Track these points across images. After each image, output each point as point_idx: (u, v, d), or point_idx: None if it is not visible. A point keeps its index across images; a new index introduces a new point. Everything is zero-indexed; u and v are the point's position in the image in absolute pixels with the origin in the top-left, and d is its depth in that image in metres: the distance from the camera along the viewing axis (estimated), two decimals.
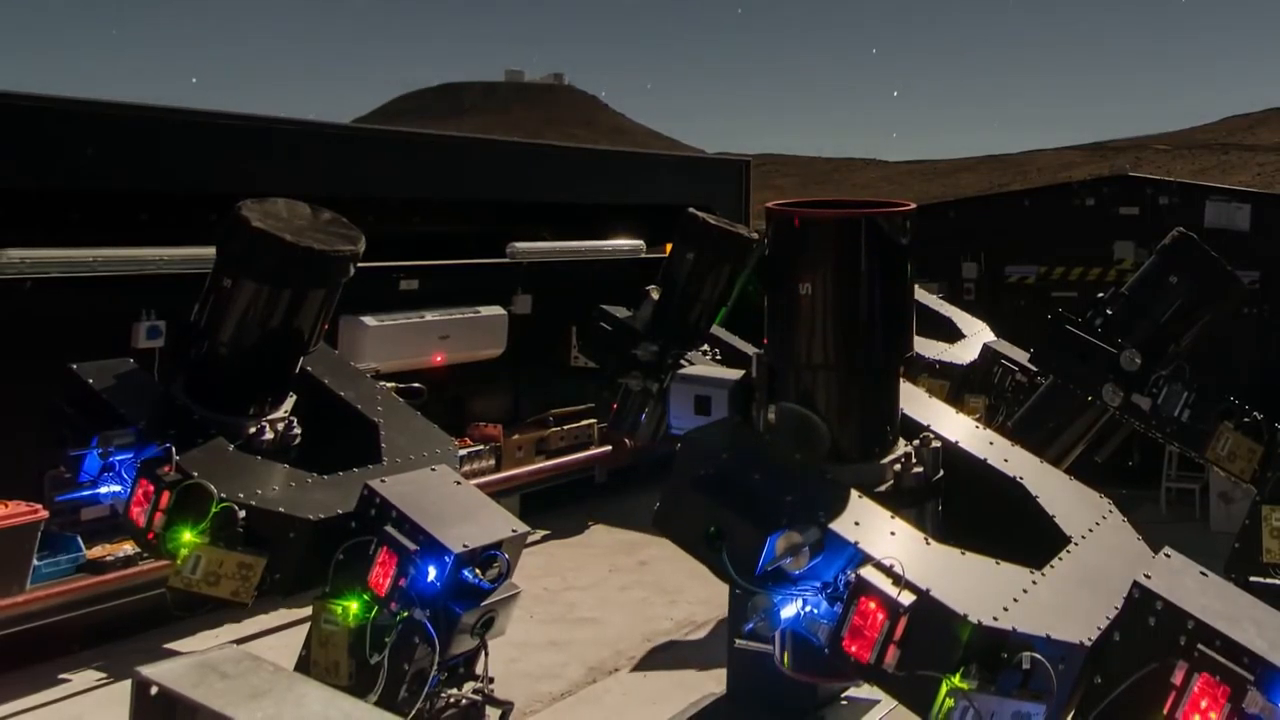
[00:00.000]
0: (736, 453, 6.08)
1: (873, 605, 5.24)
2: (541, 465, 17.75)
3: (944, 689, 5.08)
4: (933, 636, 5.21)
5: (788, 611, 5.55)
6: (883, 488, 6.03)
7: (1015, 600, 5.43)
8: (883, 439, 6.24)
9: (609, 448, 18.20)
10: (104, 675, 11.08)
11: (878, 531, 5.65)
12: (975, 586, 5.46)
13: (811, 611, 5.54)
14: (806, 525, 5.56)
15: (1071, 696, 5.28)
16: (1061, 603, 5.52)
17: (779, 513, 5.63)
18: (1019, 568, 5.72)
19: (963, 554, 5.65)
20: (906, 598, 5.22)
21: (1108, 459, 11.22)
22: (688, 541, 5.97)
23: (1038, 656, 5.10)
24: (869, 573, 5.35)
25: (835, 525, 5.61)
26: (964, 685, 5.07)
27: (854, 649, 5.29)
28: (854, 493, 5.83)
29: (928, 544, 5.66)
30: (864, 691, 10.61)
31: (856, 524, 5.65)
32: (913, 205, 6.23)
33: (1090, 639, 5.28)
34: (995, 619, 5.23)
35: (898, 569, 5.31)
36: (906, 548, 5.54)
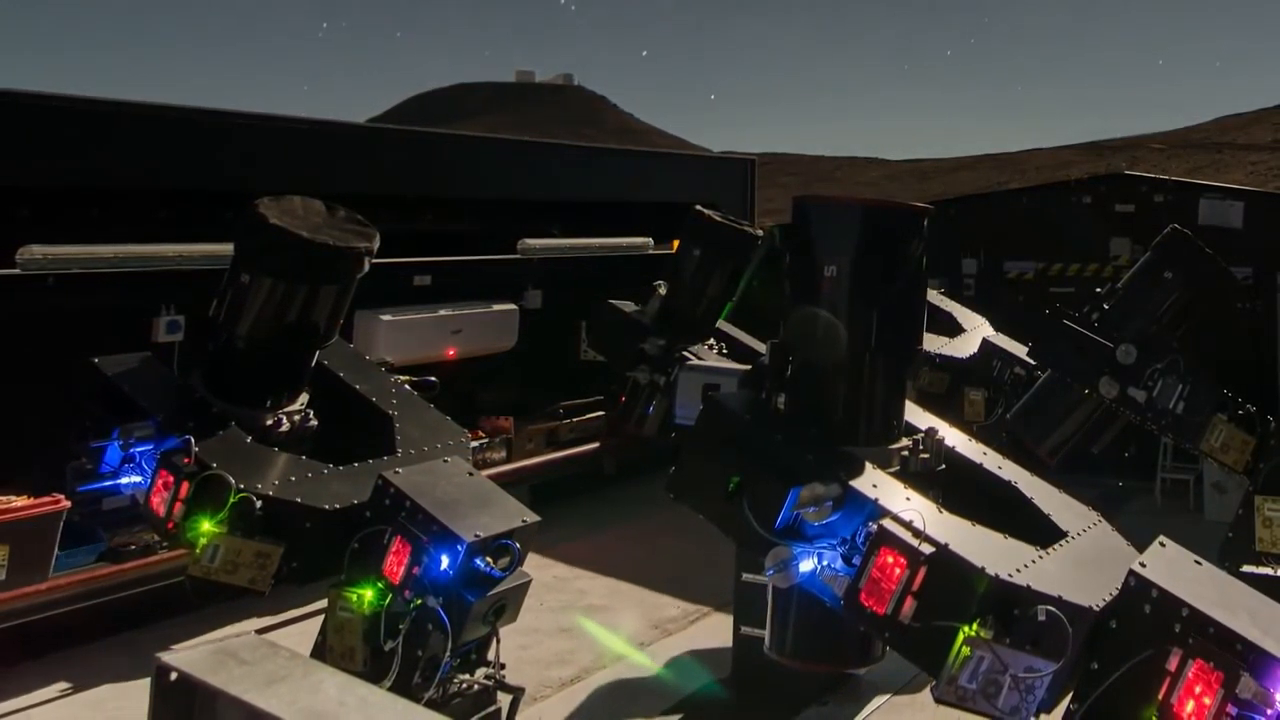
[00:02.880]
0: (757, 416, 6.13)
1: (890, 559, 5.31)
2: (551, 456, 17.77)
3: (960, 638, 5.14)
4: (950, 588, 5.27)
5: (805, 566, 5.57)
6: (890, 471, 6.06)
7: (1026, 565, 5.48)
8: (890, 427, 6.27)
9: (617, 440, 18.21)
10: (124, 662, 11.09)
11: (894, 494, 5.72)
12: (987, 550, 5.51)
13: (828, 565, 5.57)
14: (828, 480, 5.60)
15: (1070, 679, 5.29)
16: (1067, 575, 5.54)
17: (801, 469, 5.69)
18: (1024, 544, 5.76)
19: (973, 525, 5.69)
20: (927, 548, 5.28)
21: (1104, 450, 11.23)
22: (705, 499, 6.04)
23: (1053, 609, 5.13)
24: (890, 524, 5.41)
25: (855, 483, 5.68)
26: (982, 634, 5.11)
27: (870, 602, 5.34)
28: (868, 464, 5.87)
29: (941, 512, 5.70)
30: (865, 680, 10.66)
31: (874, 486, 5.73)
32: (930, 207, 6.29)
33: (1098, 605, 5.30)
34: (1011, 575, 5.29)
35: (917, 523, 5.38)
36: (922, 510, 5.57)
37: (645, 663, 12.15)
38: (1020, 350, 12.13)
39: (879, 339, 6.12)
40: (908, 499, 5.69)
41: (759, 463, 5.82)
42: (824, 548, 5.60)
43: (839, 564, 5.56)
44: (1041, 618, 5.14)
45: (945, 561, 5.31)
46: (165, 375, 7.44)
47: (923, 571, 5.24)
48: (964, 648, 5.13)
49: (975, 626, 5.15)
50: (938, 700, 5.27)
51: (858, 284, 6.01)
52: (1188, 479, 18.23)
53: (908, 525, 5.39)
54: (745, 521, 5.71)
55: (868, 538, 5.42)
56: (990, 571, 5.27)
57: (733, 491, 5.75)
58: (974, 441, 7.04)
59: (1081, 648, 5.22)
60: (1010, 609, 5.21)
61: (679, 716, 10.86)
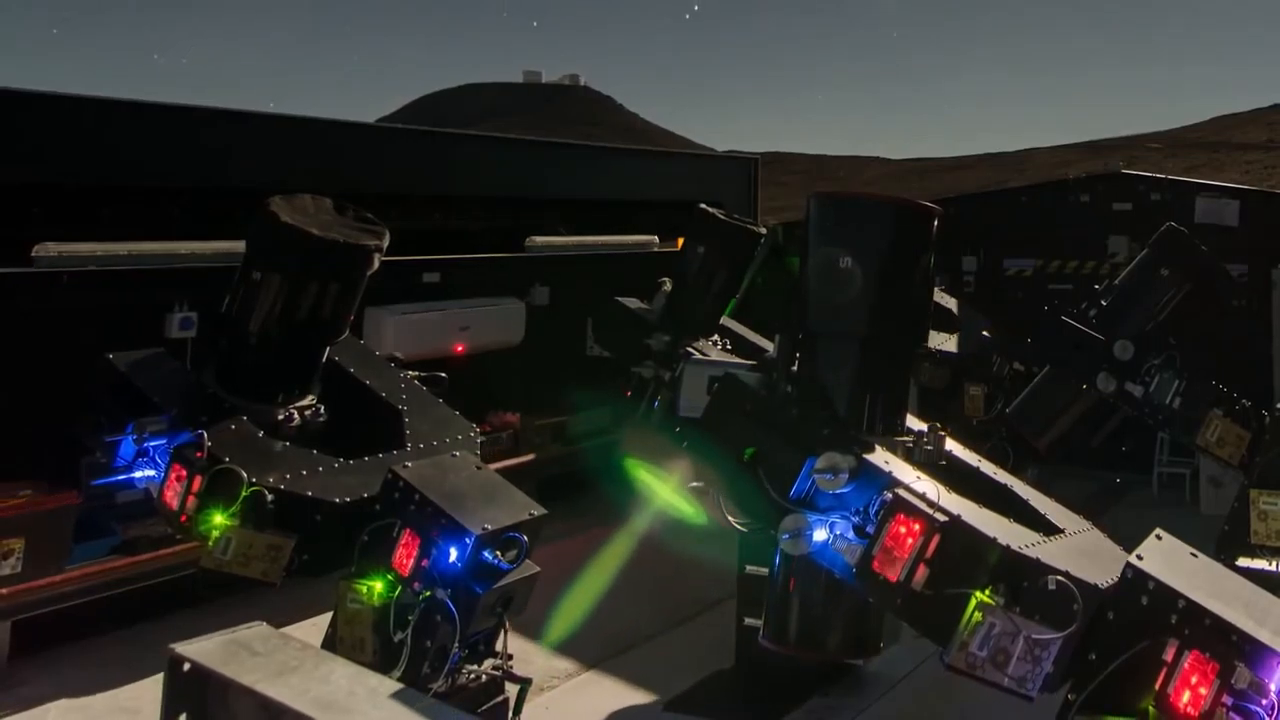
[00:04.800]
0: (773, 393, 6.20)
1: (903, 530, 5.37)
2: (558, 450, 17.76)
3: (973, 603, 5.22)
4: (962, 557, 5.36)
5: (818, 536, 5.60)
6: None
7: (1033, 544, 5.56)
8: (894, 418, 6.29)
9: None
10: (139, 653, 11.08)
11: (906, 471, 5.82)
12: (996, 526, 5.62)
13: (840, 536, 5.60)
14: (844, 452, 5.63)
15: (1072, 664, 5.30)
16: (1071, 559, 5.57)
17: (817, 441, 5.77)
18: (1027, 529, 5.79)
19: (979, 507, 5.72)
20: (941, 515, 5.37)
21: (1102, 444, 11.25)
22: (718, 471, 6.11)
23: (1062, 579, 5.18)
24: (905, 492, 5.49)
25: (869, 458, 5.76)
26: (991, 601, 5.20)
27: (883, 569, 5.38)
28: (878, 446, 5.90)
29: (949, 492, 5.73)
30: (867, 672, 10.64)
31: (886, 462, 5.80)
32: (939, 208, 6.32)
33: (1103, 585, 5.32)
34: (1021, 548, 5.41)
35: (930, 495, 5.49)
36: (933, 487, 5.65)
37: (650, 653, 12.16)
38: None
39: (888, 331, 6.16)
40: (918, 477, 5.74)
41: (777, 433, 5.87)
42: (836, 519, 5.64)
43: (851, 534, 5.60)
44: (1051, 586, 5.20)
45: (959, 530, 5.40)
46: (178, 371, 7.44)
47: (936, 539, 5.31)
48: (976, 613, 5.18)
49: (988, 592, 5.19)
50: (948, 667, 5.31)
51: (873, 277, 6.05)
52: (1184, 473, 18.19)
53: (921, 496, 5.44)
54: (760, 490, 5.76)
55: (882, 506, 5.46)
56: (1003, 541, 5.39)
57: (750, 461, 5.80)
58: (968, 450, 7.08)
59: (1085, 630, 5.23)
60: (1020, 580, 5.27)
61: (682, 707, 10.86)
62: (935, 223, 6.23)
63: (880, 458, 5.80)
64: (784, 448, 5.80)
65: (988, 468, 6.84)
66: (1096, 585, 5.30)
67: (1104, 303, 10.35)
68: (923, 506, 5.38)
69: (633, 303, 11.12)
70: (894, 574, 5.32)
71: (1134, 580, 5.17)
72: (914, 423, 6.66)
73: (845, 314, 6.09)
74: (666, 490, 6.47)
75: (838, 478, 5.59)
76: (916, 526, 5.33)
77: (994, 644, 5.17)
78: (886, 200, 6.45)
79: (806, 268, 6.26)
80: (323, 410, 7.45)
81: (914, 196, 7.12)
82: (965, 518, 5.46)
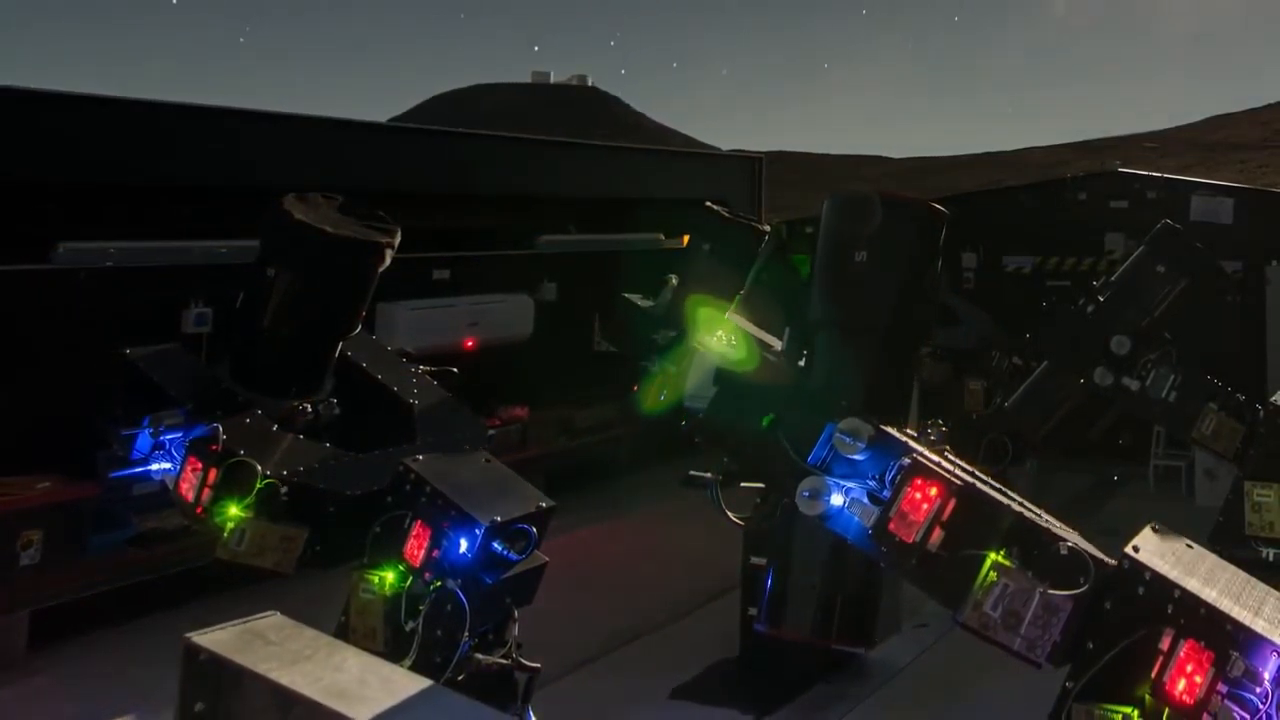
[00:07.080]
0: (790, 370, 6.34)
1: (919, 495, 5.43)
2: (566, 444, 17.78)
3: (988, 563, 5.27)
4: (976, 521, 5.41)
5: (835, 500, 5.69)
6: None
7: (1040, 517, 5.63)
8: (898, 412, 6.32)
9: (630, 428, 18.20)
10: (154, 642, 11.10)
11: (919, 445, 5.83)
12: (1006, 500, 5.67)
13: (856, 499, 5.65)
14: (864, 419, 5.75)
15: (1072, 651, 5.31)
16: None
17: (836, 410, 5.81)
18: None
19: (986, 485, 5.79)
20: (958, 480, 5.46)
21: (1099, 438, 11.25)
22: (735, 439, 6.30)
23: (1072, 544, 5.28)
24: (923, 457, 5.56)
25: (886, 429, 5.81)
26: (1007, 563, 5.25)
27: (899, 532, 5.44)
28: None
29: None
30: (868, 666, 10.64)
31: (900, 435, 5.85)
32: (945, 210, 6.37)
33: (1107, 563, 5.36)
34: (1033, 518, 5.49)
35: (945, 465, 5.57)
36: (944, 461, 5.75)
37: (656, 643, 12.17)
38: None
39: (896, 327, 6.19)
40: (928, 450, 5.80)
41: (797, 400, 5.95)
42: (852, 484, 5.68)
43: (866, 500, 5.64)
44: (1064, 553, 5.27)
45: (975, 494, 5.49)
46: (193, 366, 7.44)
47: (954, 502, 5.38)
48: (990, 573, 5.25)
49: (1002, 553, 5.28)
50: (962, 625, 5.34)
51: (883, 273, 6.09)
52: (1180, 465, 18.20)
53: (937, 463, 5.52)
54: (781, 453, 5.82)
55: (899, 471, 5.52)
56: (1016, 507, 5.49)
57: (769, 426, 5.85)
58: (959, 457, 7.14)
59: (1089, 604, 5.25)
60: (1031, 547, 5.34)
61: (688, 695, 10.88)
62: (944, 225, 6.29)
63: (896, 431, 5.86)
64: (804, 412, 5.85)
65: (980, 472, 6.89)
66: (1102, 560, 5.33)
67: (1101, 299, 10.34)
68: (941, 471, 5.43)
69: (639, 299, 11.14)
70: (910, 536, 5.38)
71: (1131, 570, 5.18)
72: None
73: (855, 309, 6.14)
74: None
75: (856, 442, 5.64)
76: (933, 490, 5.40)
77: (1007, 604, 5.20)
78: (903, 199, 6.49)
79: (818, 262, 6.31)
80: (335, 404, 7.45)
81: (913, 195, 7.15)
82: (979, 486, 5.57)
